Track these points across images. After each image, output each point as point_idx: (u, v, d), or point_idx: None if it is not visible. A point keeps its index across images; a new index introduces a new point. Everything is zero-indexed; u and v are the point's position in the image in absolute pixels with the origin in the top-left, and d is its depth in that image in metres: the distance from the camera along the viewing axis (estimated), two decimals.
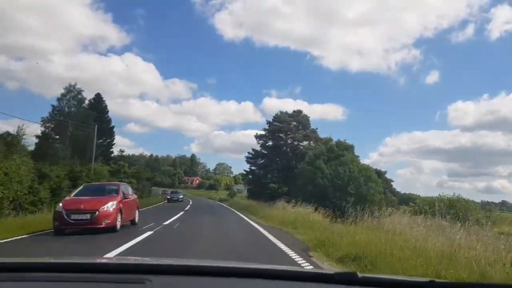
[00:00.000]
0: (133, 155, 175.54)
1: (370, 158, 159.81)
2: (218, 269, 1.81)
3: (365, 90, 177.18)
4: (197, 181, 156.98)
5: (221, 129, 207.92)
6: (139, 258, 2.64)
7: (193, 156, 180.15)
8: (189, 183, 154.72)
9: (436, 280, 1.48)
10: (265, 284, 1.61)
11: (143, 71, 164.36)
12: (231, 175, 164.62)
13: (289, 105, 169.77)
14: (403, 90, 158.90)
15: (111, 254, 7.81)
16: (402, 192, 72.40)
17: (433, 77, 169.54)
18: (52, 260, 1.96)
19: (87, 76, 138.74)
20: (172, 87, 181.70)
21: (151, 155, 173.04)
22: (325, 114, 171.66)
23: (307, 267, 7.14)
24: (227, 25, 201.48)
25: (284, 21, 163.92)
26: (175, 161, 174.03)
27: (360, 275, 1.53)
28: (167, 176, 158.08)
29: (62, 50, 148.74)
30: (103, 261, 2.07)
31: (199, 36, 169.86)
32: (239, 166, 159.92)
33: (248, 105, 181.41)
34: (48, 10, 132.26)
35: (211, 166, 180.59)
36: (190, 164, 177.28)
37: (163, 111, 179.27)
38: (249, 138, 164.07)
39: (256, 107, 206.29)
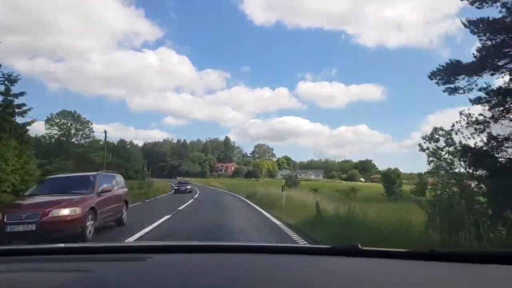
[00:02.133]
0: (157, 142, 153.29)
1: (412, 138, 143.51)
2: (219, 247, 1.79)
3: (405, 66, 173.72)
4: (233, 168, 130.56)
5: (256, 117, 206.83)
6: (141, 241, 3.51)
7: (227, 139, 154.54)
8: (223, 171, 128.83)
9: (436, 250, 1.50)
10: (262, 258, 1.58)
11: (177, 63, 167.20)
12: (273, 159, 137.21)
13: (325, 88, 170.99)
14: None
15: None
16: None
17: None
18: (53, 245, 1.94)
19: (123, 72, 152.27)
20: (206, 78, 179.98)
21: (178, 141, 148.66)
22: (363, 95, 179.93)
23: None
24: (257, 9, 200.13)
25: (317, 0, 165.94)
26: (206, 146, 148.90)
27: (361, 247, 1.54)
28: (196, 163, 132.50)
29: (99, 48, 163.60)
30: (105, 244, 1.94)
31: (229, 24, 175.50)
32: (278, 153, 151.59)
33: (282, 91, 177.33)
34: (83, 9, 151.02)
35: (248, 151, 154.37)
36: (223, 149, 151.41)
37: (199, 103, 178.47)
38: (284, 125, 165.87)
39: (290, 92, 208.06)
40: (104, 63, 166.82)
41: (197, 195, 34.08)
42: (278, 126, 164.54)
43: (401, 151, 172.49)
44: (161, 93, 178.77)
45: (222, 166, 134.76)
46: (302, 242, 8.27)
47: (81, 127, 64.99)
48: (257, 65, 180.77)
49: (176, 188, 42.20)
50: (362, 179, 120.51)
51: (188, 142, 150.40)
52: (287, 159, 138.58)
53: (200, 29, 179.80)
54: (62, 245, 1.92)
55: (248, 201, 23.50)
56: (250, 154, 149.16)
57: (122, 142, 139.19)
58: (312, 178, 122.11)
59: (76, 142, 62.85)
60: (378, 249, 1.61)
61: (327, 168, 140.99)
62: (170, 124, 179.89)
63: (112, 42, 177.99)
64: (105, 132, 38.02)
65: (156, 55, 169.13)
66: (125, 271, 1.38)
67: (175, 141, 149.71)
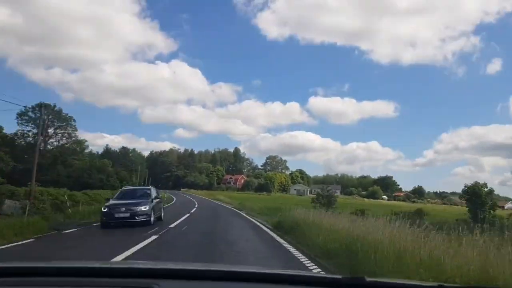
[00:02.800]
0: (163, 151, 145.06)
1: (424, 156, 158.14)
2: (225, 274, 1.79)
3: (419, 83, 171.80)
4: (242, 180, 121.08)
5: (267, 131, 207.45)
6: (147, 262, 3.12)
7: (236, 150, 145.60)
8: (232, 183, 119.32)
9: (445, 284, 1.46)
10: None
11: (190, 76, 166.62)
12: (286, 172, 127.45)
13: (336, 104, 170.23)
14: (461, 82, 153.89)
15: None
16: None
17: (494, 66, 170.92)
18: (58, 265, 1.92)
19: (136, 83, 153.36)
20: (217, 91, 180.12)
21: (186, 150, 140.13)
22: (375, 112, 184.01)
23: None
24: (271, 24, 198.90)
25: (331, 15, 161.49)
26: (214, 157, 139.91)
27: (367, 279, 1.52)
28: (203, 174, 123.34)
29: (113, 59, 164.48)
30: (110, 265, 2.02)
31: (242, 37, 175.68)
32: (291, 166, 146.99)
33: (294, 106, 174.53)
34: (99, 21, 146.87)
35: (258, 163, 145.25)
36: (233, 161, 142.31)
37: (209, 115, 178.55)
38: (295, 140, 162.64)
39: (302, 107, 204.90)
40: (118, 74, 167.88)
41: (185, 216, 21.19)
42: (289, 140, 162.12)
43: (414, 170, 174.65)
44: (173, 105, 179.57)
45: (230, 178, 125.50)
46: None
47: (62, 124, 55.35)
48: (269, 79, 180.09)
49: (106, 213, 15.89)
50: (385, 197, 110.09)
51: (196, 152, 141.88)
52: (301, 172, 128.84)
53: (213, 42, 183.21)
54: (65, 265, 1.86)
55: (284, 243, 11.15)
56: (261, 166, 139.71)
57: (124, 149, 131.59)
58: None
59: (56, 142, 53.84)
60: (385, 281, 1.63)
61: (344, 184, 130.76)
62: (180, 136, 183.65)
63: (127, 54, 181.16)
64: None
65: (169, 68, 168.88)
66: None
67: (182, 150, 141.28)
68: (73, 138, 53.48)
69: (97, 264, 2.07)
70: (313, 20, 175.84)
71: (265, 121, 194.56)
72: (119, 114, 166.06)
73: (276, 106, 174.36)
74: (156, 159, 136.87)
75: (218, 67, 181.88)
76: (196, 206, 35.42)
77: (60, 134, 54.13)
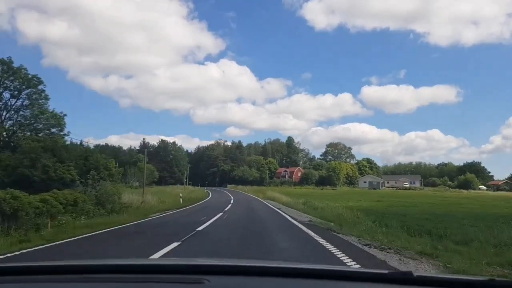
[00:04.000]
0: (209, 145, 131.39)
1: (491, 142, 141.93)
2: (273, 270, 1.81)
3: (483, 65, 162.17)
4: (299, 173, 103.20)
5: (318, 124, 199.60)
6: (197, 258, 3.15)
7: (289, 140, 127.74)
8: (287, 177, 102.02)
9: (497, 278, 1.41)
10: (318, 284, 1.62)
11: (239, 74, 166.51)
12: (351, 161, 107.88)
13: (392, 92, 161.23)
14: None
15: None
16: None
17: None
18: (111, 262, 2.01)
19: (188, 85, 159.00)
20: (267, 87, 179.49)
21: (233, 143, 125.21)
22: (435, 98, 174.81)
23: None
24: (318, 14, 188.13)
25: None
26: (265, 149, 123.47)
27: (415, 274, 1.48)
28: (253, 168, 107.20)
29: (165, 63, 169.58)
30: (161, 262, 2.01)
31: (289, 30, 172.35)
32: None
33: (346, 97, 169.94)
34: (149, 26, 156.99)
35: (315, 154, 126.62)
36: (286, 152, 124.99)
37: (260, 112, 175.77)
38: (349, 133, 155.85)
39: (354, 98, 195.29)
40: (170, 78, 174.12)
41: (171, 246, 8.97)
42: (342, 133, 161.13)
43: (480, 157, 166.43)
44: (223, 104, 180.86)
45: (285, 171, 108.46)
46: None
47: (23, 85, 37.31)
48: (319, 71, 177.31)
49: None
50: (483, 187, 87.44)
51: (245, 145, 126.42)
52: (369, 162, 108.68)
53: (260, 38, 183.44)
54: (118, 262, 1.95)
55: None
56: (321, 155, 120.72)
57: (163, 143, 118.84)
58: (407, 186, 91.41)
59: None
60: (433, 276, 1.57)
61: (420, 173, 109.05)
62: (232, 134, 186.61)
63: (177, 57, 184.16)
64: None
65: (218, 67, 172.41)
66: None
67: (229, 143, 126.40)
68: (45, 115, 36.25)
69: (149, 262, 2.20)
70: (363, 5, 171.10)
71: (316, 114, 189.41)
72: (172, 116, 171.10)
73: (327, 99, 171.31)
74: (202, 153, 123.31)
75: (266, 63, 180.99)
76: (224, 216, 19.06)
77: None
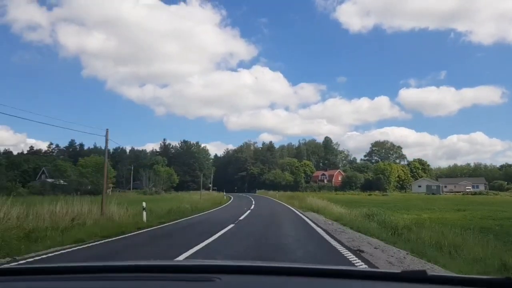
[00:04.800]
0: (238, 147, 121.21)
1: None
2: (285, 269, 1.83)
3: None
4: (339, 177, 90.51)
5: (354, 129, 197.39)
6: (207, 260, 3.14)
7: (327, 140, 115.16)
8: (325, 181, 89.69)
9: None
10: (331, 283, 1.62)
11: (272, 80, 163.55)
12: (402, 162, 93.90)
13: (431, 94, 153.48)
14: None
15: None
16: None
17: None
18: (127, 263, 2.05)
19: (221, 93, 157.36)
20: (300, 92, 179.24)
21: (264, 144, 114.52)
22: (478, 99, 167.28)
23: None
24: (352, 16, 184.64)
25: None
26: (300, 150, 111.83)
27: (429, 273, 1.48)
28: (287, 171, 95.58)
29: (198, 71, 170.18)
30: (173, 263, 2.14)
31: (323, 34, 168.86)
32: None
33: (382, 100, 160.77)
34: (183, 35, 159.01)
35: (356, 156, 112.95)
36: (323, 153, 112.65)
37: (293, 118, 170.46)
38: (386, 137, 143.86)
39: (391, 101, 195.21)
40: (204, 85, 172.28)
41: None
42: (379, 138, 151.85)
43: None
44: (257, 111, 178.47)
45: (323, 175, 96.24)
46: None
47: None
48: (354, 74, 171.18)
49: None
50: None
51: (277, 147, 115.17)
52: (422, 163, 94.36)
53: (294, 43, 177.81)
54: (130, 263, 1.98)
55: None
56: (365, 156, 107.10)
57: (185, 144, 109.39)
58: (469, 190, 76.92)
59: None
60: (447, 275, 1.57)
61: (482, 175, 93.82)
62: (265, 140, 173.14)
63: (211, 64, 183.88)
64: None
65: (251, 74, 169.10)
66: None
67: (259, 145, 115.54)
68: None
69: (164, 262, 2.31)
70: (399, 5, 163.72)
71: (352, 118, 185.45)
72: (206, 123, 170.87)
73: (363, 102, 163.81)
74: (231, 157, 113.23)
75: (299, 68, 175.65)
76: None
77: None
